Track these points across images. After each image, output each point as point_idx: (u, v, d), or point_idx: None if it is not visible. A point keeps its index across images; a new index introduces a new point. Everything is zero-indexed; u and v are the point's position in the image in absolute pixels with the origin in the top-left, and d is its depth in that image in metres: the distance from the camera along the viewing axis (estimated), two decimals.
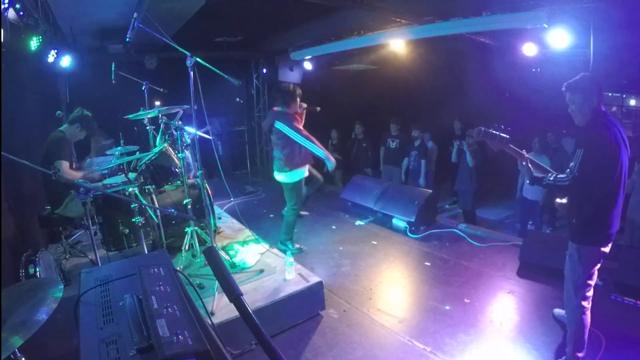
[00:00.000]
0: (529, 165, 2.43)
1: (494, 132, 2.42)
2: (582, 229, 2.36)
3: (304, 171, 4.15)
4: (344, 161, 7.77)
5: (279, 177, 4.18)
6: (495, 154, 2.61)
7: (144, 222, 3.33)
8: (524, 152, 2.47)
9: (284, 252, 3.93)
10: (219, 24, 5.78)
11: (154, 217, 3.63)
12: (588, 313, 2.43)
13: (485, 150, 5.67)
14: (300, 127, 4.01)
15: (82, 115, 3.64)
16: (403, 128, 6.74)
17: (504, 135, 2.41)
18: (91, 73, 5.51)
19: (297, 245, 4.47)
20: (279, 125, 3.96)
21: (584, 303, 2.41)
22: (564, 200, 2.59)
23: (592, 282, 2.41)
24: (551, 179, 2.31)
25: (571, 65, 4.54)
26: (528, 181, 2.47)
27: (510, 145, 2.42)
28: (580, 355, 2.45)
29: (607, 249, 2.36)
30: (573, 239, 2.41)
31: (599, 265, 2.40)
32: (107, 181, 3.53)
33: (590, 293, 2.42)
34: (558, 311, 3.05)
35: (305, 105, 4.20)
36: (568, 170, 2.26)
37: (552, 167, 2.68)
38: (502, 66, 5.82)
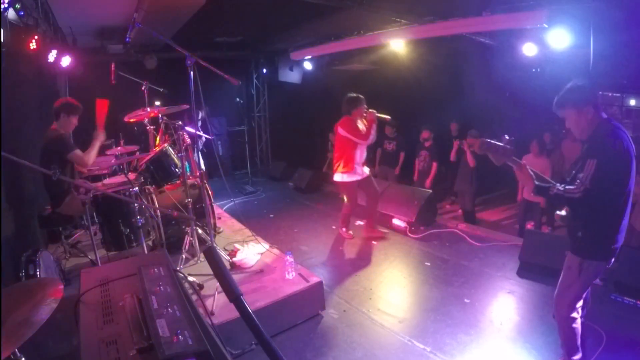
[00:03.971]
0: (530, 172, 2.26)
1: (497, 143, 2.24)
2: (589, 243, 2.22)
3: None
4: None
5: None
6: None
7: (144, 222, 3.33)
8: (523, 163, 2.29)
9: None
10: (219, 24, 5.78)
11: (154, 217, 3.63)
12: (578, 321, 2.35)
13: None
14: None
15: (59, 104, 3.56)
16: (400, 130, 6.72)
17: (508, 147, 2.24)
18: (91, 73, 5.51)
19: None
20: None
21: (574, 314, 2.33)
22: (564, 212, 2.43)
23: (584, 295, 2.32)
24: (560, 189, 2.13)
25: (571, 65, 4.54)
26: (532, 191, 2.28)
27: (513, 158, 2.25)
28: (576, 358, 2.42)
29: (609, 264, 2.24)
30: (576, 252, 2.27)
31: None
32: (107, 181, 3.53)
33: (580, 304, 2.33)
34: None
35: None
36: (578, 181, 2.09)
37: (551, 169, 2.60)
38: (502, 66, 5.82)
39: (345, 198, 4.82)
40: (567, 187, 2.13)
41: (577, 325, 2.36)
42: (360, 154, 4.64)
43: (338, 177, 4.65)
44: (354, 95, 4.57)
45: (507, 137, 2.26)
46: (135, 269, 1.41)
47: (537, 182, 2.24)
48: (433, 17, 4.83)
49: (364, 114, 4.55)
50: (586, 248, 2.23)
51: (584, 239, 2.22)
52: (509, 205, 7.11)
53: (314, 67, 7.90)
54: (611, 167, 2.05)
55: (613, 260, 2.24)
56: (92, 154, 3.59)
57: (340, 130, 4.54)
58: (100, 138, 3.70)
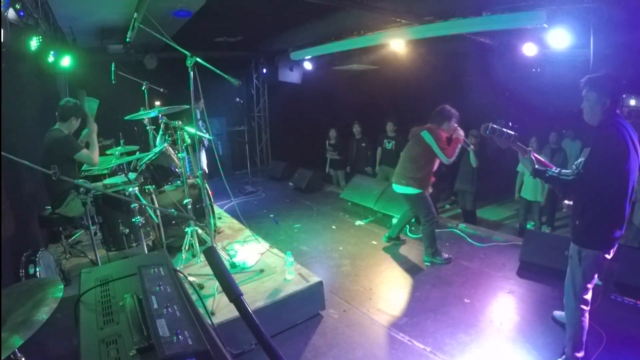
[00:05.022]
0: (532, 157, 2.44)
1: (502, 129, 2.43)
2: (585, 231, 2.33)
3: None
4: (343, 161, 7.78)
5: None
6: (496, 154, 2.62)
7: (144, 222, 3.33)
8: (529, 149, 2.49)
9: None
10: (219, 24, 5.78)
11: (154, 217, 3.63)
12: (587, 315, 2.43)
13: (486, 151, 5.67)
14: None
15: (68, 106, 3.55)
16: (400, 129, 6.71)
17: (511, 132, 2.42)
18: (91, 73, 5.51)
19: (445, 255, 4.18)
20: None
21: (583, 306, 2.41)
22: (572, 202, 2.58)
23: (591, 286, 2.40)
24: (555, 172, 2.32)
25: (571, 65, 4.53)
26: (530, 174, 2.47)
27: (518, 143, 2.44)
28: (579, 355, 2.46)
29: (609, 255, 2.33)
30: (575, 240, 2.40)
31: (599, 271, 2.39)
32: (107, 181, 3.53)
33: (588, 296, 2.41)
34: (558, 313, 3.04)
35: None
36: (574, 166, 2.26)
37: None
38: (502, 66, 5.82)
39: (418, 211, 4.21)
40: (562, 170, 2.31)
41: (586, 319, 2.43)
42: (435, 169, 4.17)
43: (409, 190, 4.12)
44: (452, 109, 4.11)
45: (510, 124, 2.43)
46: (135, 269, 1.42)
47: (536, 166, 2.41)
48: (433, 17, 4.83)
49: (453, 132, 4.09)
50: (583, 236, 2.35)
51: (581, 227, 2.34)
52: (509, 205, 7.11)
53: (314, 67, 7.90)
54: (603, 156, 2.18)
55: (612, 251, 2.33)
56: (96, 151, 3.62)
57: (425, 135, 3.99)
58: (94, 129, 3.71)
